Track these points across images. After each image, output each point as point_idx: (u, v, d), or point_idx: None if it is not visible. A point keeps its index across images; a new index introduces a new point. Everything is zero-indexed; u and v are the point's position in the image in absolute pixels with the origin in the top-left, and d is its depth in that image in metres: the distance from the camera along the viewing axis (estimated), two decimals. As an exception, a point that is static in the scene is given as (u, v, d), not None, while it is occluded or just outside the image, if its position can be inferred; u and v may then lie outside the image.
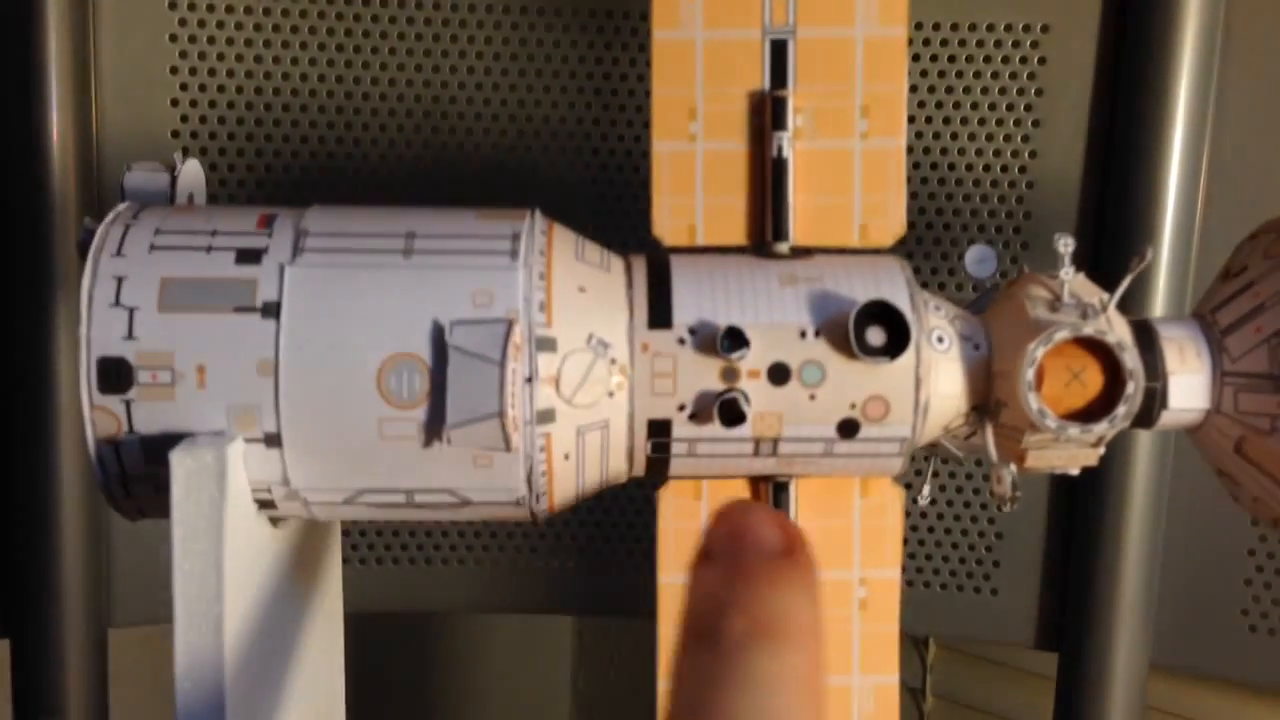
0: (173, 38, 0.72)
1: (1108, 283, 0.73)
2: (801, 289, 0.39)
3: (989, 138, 0.73)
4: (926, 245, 0.76)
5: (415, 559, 0.79)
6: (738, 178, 0.41)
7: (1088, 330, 0.38)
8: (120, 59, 0.72)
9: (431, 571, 0.79)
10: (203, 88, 0.73)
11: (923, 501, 0.49)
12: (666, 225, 0.42)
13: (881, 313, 0.38)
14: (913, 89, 0.73)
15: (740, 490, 0.42)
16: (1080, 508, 0.75)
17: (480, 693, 1.15)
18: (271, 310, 0.36)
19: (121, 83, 0.72)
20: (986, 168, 0.74)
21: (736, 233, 0.42)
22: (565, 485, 0.39)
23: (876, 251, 0.42)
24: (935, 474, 0.75)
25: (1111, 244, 0.72)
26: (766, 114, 0.41)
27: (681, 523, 0.42)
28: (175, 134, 0.73)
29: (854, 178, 0.41)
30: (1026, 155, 0.74)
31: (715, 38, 0.41)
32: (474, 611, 1.06)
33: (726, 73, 0.41)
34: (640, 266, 0.40)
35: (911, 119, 0.73)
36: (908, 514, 0.78)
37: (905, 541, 0.78)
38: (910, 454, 0.41)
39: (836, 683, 0.42)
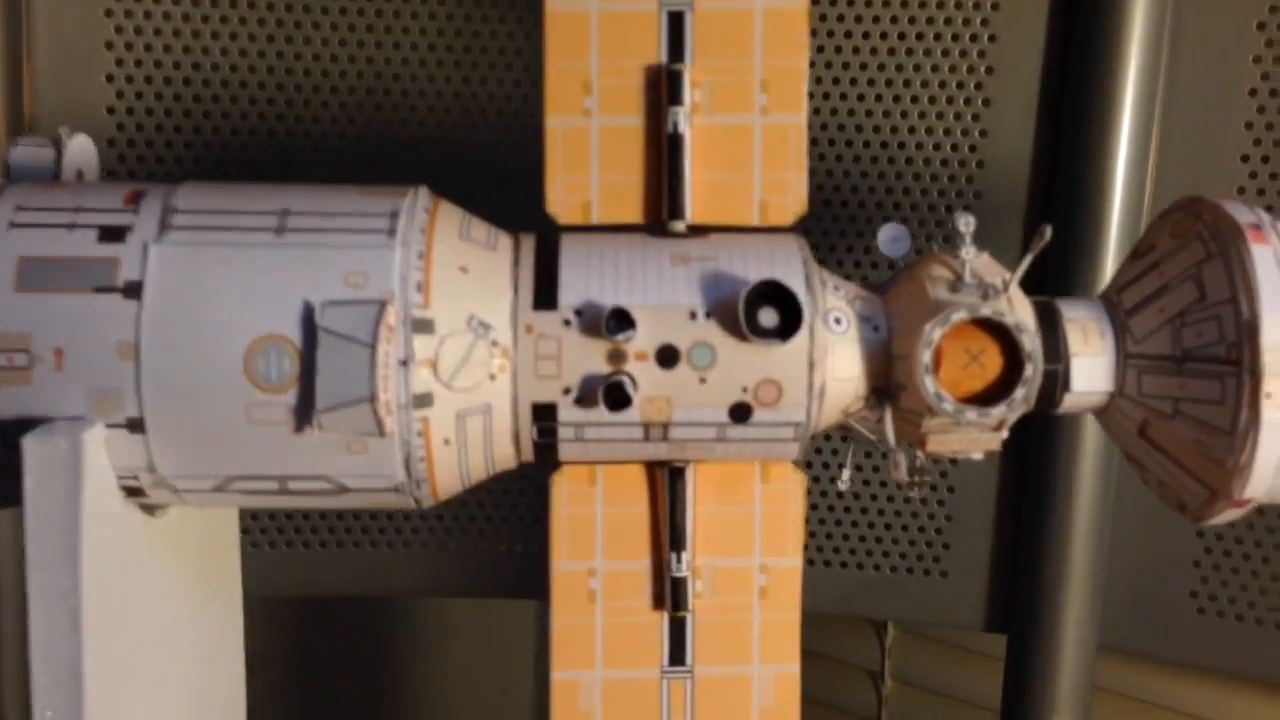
0: (108, 12, 0.70)
1: (1056, 265, 0.72)
2: (694, 268, 0.38)
3: (939, 116, 0.72)
4: (877, 224, 0.75)
5: (377, 542, 0.78)
6: (634, 154, 0.40)
7: (985, 311, 0.37)
8: (54, 33, 0.70)
9: (390, 556, 0.78)
10: (138, 63, 0.71)
11: (842, 487, 0.48)
12: (561, 203, 0.40)
13: (774, 293, 0.37)
14: (862, 67, 0.72)
15: (636, 476, 0.41)
16: (1029, 490, 0.75)
17: (443, 676, 1.15)
18: (134, 290, 0.35)
19: (55, 58, 0.71)
20: (937, 146, 0.73)
21: (633, 211, 0.40)
22: (447, 471, 0.38)
23: (777, 230, 0.41)
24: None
25: (1062, 222, 0.71)
26: (663, 88, 0.40)
27: (576, 508, 0.41)
28: (110, 110, 0.72)
29: (754, 154, 0.40)
30: (977, 134, 0.73)
31: (610, 9, 0.40)
32: (433, 596, 1.05)
33: (622, 45, 0.40)
34: (529, 245, 0.39)
35: (860, 97, 0.72)
36: (855, 496, 0.77)
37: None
38: (808, 439, 0.40)
39: (735, 673, 0.41)
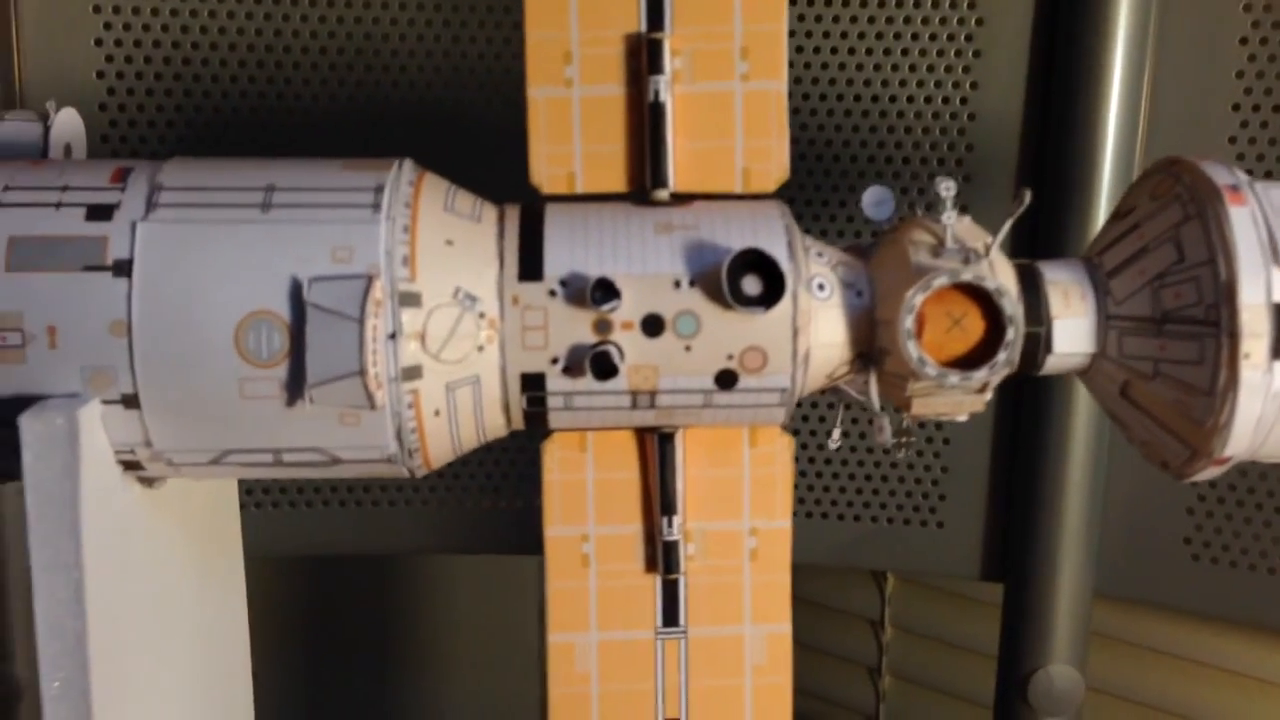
0: (95, -26, 0.70)
1: (1048, 216, 0.72)
2: (677, 237, 0.38)
3: (930, 69, 0.72)
4: (870, 179, 0.75)
5: (379, 501, 0.79)
6: (616, 123, 0.40)
7: (966, 276, 0.37)
8: (42, -1, 0.70)
9: (394, 514, 0.79)
10: (126, 26, 0.71)
11: (833, 446, 0.49)
12: (545, 173, 0.40)
13: (757, 261, 0.37)
14: (852, 20, 0.72)
15: (626, 442, 0.41)
16: (1024, 441, 0.75)
17: (448, 632, 1.16)
18: (123, 269, 0.35)
19: (44, 22, 0.70)
20: (928, 99, 0.73)
21: (616, 180, 0.41)
22: (439, 441, 0.38)
23: (760, 197, 0.41)
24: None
25: (1054, 176, 0.72)
26: (643, 57, 0.40)
27: (568, 475, 0.41)
28: (100, 74, 0.72)
29: (735, 122, 0.40)
30: (968, 86, 0.72)
31: None
32: (433, 553, 1.06)
33: (601, 15, 0.40)
34: (513, 217, 0.39)
35: (851, 50, 0.72)
36: (853, 450, 0.78)
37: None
38: (794, 404, 0.40)
39: (727, 633, 0.42)
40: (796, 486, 0.79)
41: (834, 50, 0.72)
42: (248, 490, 0.77)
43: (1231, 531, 0.73)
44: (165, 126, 0.73)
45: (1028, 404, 0.75)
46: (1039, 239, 0.72)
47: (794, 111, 0.73)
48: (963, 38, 0.72)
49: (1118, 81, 0.69)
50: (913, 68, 0.72)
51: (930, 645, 0.96)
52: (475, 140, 0.73)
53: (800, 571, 1.02)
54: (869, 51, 0.72)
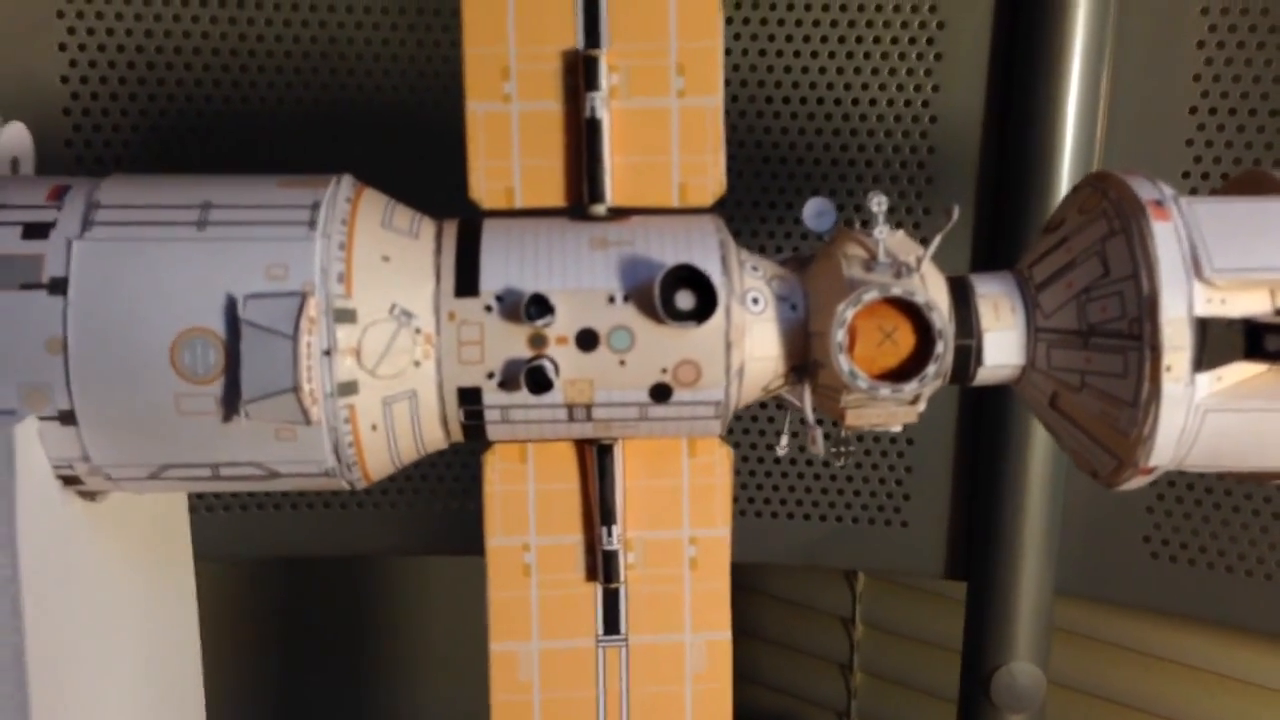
0: (58, -21, 0.70)
1: (1009, 219, 0.73)
2: (612, 253, 0.39)
3: (891, 72, 0.72)
4: (832, 182, 0.76)
5: (347, 504, 0.79)
6: (554, 139, 0.41)
7: (896, 290, 0.37)
8: (4, 2, 0.70)
9: (362, 515, 0.79)
10: (91, 31, 0.71)
11: (780, 452, 0.49)
12: (484, 188, 0.41)
13: (690, 276, 0.38)
14: (815, 24, 0.72)
15: (566, 453, 0.42)
16: (986, 442, 0.76)
17: (421, 636, 1.16)
18: (59, 286, 0.36)
19: (6, 26, 0.70)
20: (890, 103, 0.73)
21: (555, 194, 0.41)
22: (377, 455, 0.39)
23: (696, 211, 0.41)
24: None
25: (1014, 178, 0.72)
26: (580, 73, 0.40)
27: (508, 486, 0.42)
28: (64, 79, 0.72)
29: (671, 137, 0.41)
30: (930, 89, 0.73)
31: None
32: (405, 555, 1.06)
33: (539, 31, 0.40)
34: (451, 233, 0.40)
35: (814, 55, 0.72)
36: (824, 450, 0.78)
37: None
38: (729, 416, 0.41)
39: (668, 641, 0.42)
40: (761, 488, 0.79)
41: (796, 54, 0.73)
42: (198, 495, 0.78)
43: (1189, 530, 0.73)
44: (130, 131, 0.73)
45: (989, 406, 0.75)
46: (999, 242, 0.73)
47: (756, 116, 0.73)
48: (924, 41, 0.72)
49: (1076, 85, 0.69)
50: (875, 71, 0.73)
51: (901, 642, 0.97)
52: (441, 145, 0.73)
53: (772, 571, 1.02)
54: (831, 55, 0.73)
